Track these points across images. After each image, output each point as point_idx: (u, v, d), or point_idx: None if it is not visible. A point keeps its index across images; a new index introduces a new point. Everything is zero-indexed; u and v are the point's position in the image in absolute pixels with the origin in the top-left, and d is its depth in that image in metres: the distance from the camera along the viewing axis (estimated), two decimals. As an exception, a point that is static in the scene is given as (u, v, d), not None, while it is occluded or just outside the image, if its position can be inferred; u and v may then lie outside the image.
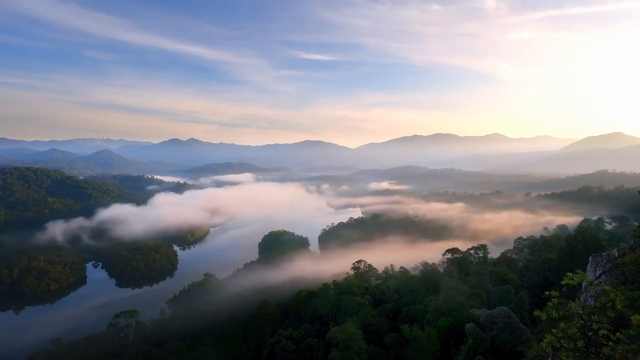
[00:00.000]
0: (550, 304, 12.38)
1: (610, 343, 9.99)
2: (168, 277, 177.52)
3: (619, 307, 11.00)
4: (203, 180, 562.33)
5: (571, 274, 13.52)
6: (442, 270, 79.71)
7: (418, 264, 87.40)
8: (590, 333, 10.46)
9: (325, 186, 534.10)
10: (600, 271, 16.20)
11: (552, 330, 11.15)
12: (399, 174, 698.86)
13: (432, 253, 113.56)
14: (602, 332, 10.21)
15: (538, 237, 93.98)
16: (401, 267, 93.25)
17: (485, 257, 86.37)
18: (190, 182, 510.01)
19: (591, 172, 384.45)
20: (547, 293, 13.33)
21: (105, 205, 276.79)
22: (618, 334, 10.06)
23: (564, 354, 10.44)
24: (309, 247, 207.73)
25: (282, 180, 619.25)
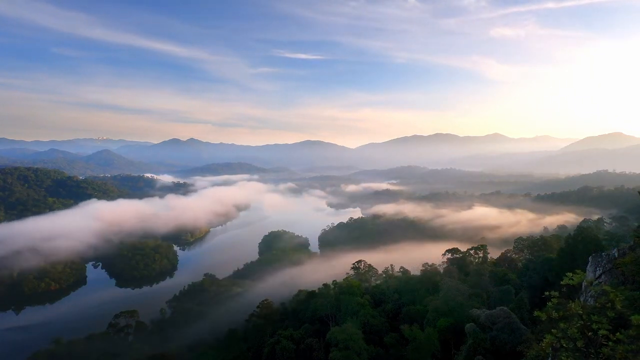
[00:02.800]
0: (549, 304, 12.35)
1: (610, 343, 9.99)
2: (168, 277, 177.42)
3: (618, 307, 11.00)
4: (201, 181, 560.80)
5: (571, 274, 13.46)
6: (442, 271, 79.70)
7: (418, 264, 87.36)
8: (590, 333, 10.47)
9: (325, 186, 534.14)
10: (600, 271, 16.22)
11: (552, 330, 11.15)
12: (398, 174, 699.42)
13: (432, 253, 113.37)
14: (602, 332, 10.22)
15: (538, 237, 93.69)
16: (401, 267, 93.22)
17: (485, 257, 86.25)
18: (189, 182, 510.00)
19: (591, 173, 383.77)
20: (547, 293, 13.28)
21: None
22: (618, 334, 10.07)
23: (563, 354, 10.45)
24: (309, 247, 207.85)
25: (282, 180, 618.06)
